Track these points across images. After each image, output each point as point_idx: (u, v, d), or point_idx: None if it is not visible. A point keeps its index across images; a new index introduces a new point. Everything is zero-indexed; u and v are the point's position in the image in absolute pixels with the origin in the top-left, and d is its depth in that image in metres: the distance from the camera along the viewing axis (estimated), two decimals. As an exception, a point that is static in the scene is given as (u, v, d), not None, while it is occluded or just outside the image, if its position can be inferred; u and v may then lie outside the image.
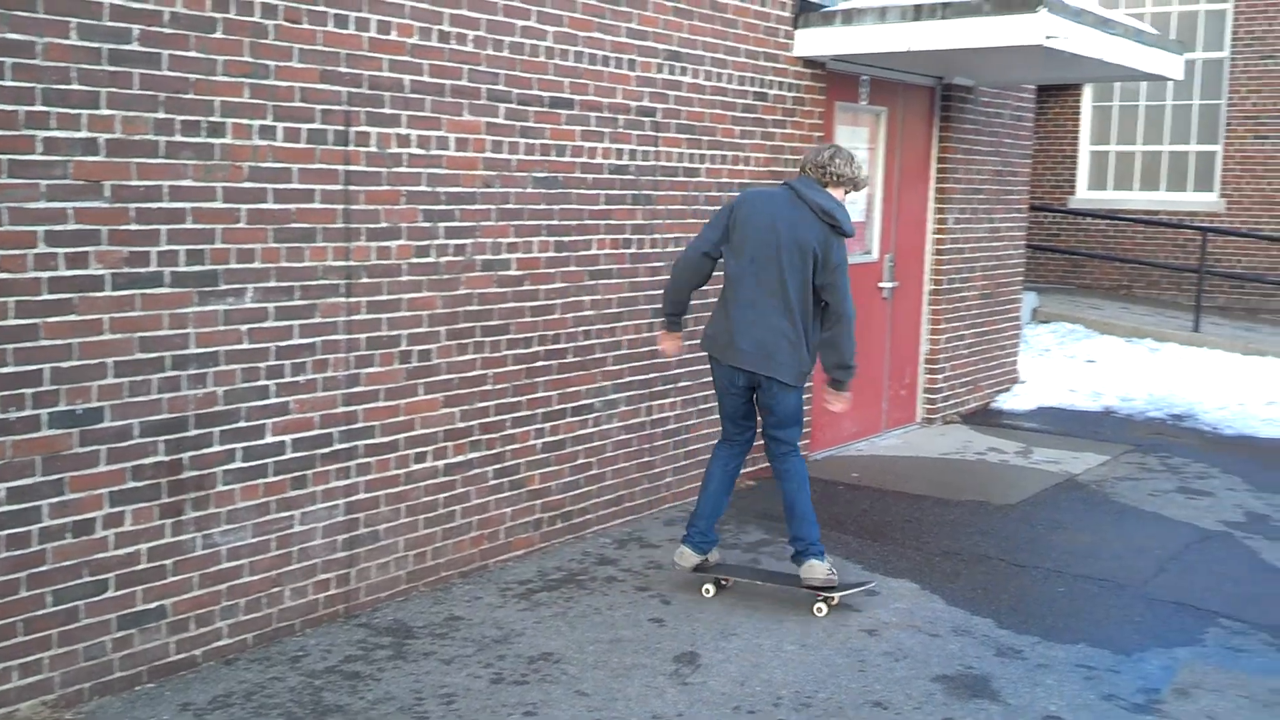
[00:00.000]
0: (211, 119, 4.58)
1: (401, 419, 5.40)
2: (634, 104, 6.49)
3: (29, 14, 4.04)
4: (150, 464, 4.48)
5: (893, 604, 5.61)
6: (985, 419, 9.84)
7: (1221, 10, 14.68)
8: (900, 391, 9.32)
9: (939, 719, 4.45)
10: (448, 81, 5.47)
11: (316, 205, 4.97)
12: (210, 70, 4.56)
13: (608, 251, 6.42)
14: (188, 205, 4.53)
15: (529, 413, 6.04)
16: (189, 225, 4.54)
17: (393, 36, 5.21)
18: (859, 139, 8.55)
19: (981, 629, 5.35)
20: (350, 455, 5.20)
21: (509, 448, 5.95)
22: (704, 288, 5.95)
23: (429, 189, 5.42)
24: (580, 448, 6.37)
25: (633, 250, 6.57)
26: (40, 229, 4.12)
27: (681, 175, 6.86)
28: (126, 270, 4.36)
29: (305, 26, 4.87)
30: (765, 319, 5.37)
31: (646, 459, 6.82)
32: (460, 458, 5.70)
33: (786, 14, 7.57)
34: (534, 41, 5.88)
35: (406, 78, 5.28)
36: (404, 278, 5.35)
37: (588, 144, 6.23)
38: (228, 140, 4.64)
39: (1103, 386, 10.75)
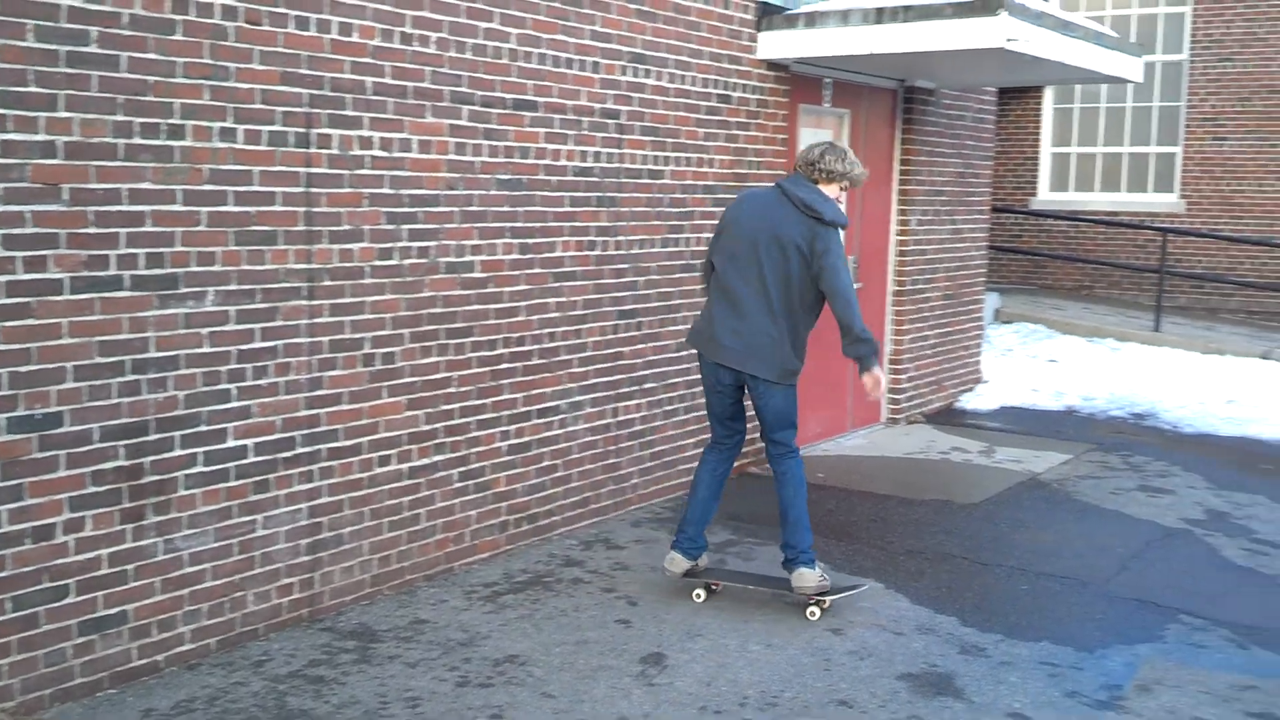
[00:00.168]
0: (171, 121, 4.55)
1: (365, 422, 5.38)
2: (598, 106, 6.50)
3: (-15, 15, 4.00)
4: (111, 469, 4.45)
5: (858, 603, 5.64)
6: (949, 419, 9.90)
7: (1180, 13, 14.83)
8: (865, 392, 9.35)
9: (904, 717, 4.47)
10: (410, 84, 5.46)
11: (278, 208, 4.94)
12: (170, 72, 4.53)
13: (572, 254, 6.42)
14: (147, 208, 4.49)
15: (494, 415, 6.03)
16: (149, 228, 4.51)
17: (354, 38, 5.20)
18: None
19: (945, 627, 5.38)
20: (313, 459, 5.17)
21: (474, 450, 5.94)
22: (693, 289, 5.96)
23: (391, 191, 5.41)
24: (546, 450, 6.37)
25: (597, 252, 6.57)
26: (-3, 232, 4.09)
27: (646, 177, 6.87)
28: (85, 274, 4.32)
29: (266, 28, 4.85)
30: (746, 316, 5.36)
31: (612, 461, 6.83)
32: (424, 460, 5.69)
33: (750, 17, 7.60)
34: (497, 44, 5.88)
35: (368, 79, 5.27)
36: (366, 280, 5.33)
37: (552, 146, 6.23)
38: (188, 143, 4.61)
39: (1065, 386, 10.84)
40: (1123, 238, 15.16)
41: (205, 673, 4.69)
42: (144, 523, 4.56)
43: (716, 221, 7.43)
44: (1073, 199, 15.51)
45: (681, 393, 7.28)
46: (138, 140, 4.44)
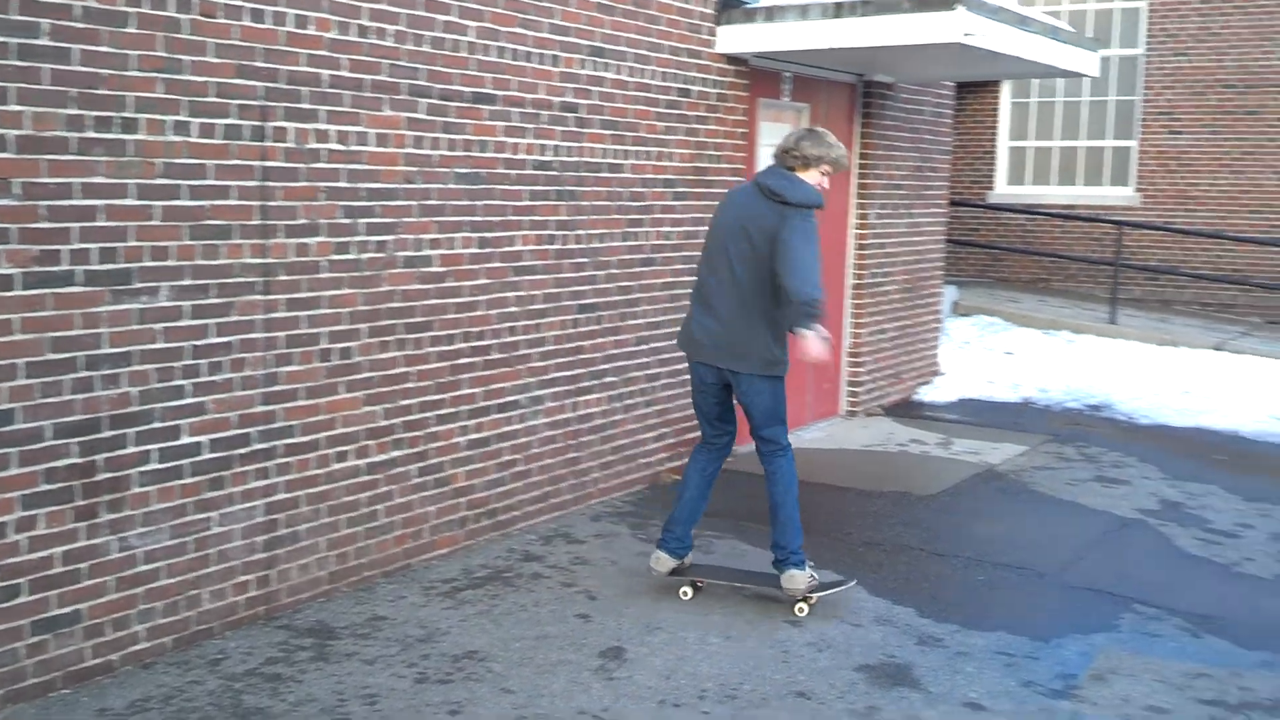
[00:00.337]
0: (124, 115, 4.50)
1: (322, 418, 5.35)
2: (557, 100, 6.48)
3: (-69, 7, 3.95)
4: (63, 466, 4.40)
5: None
6: (907, 411, 9.96)
7: (1136, 8, 14.97)
8: (824, 385, 9.40)
9: (861, 708, 4.50)
10: (367, 76, 5.42)
11: (233, 202, 4.90)
12: (123, 65, 4.48)
13: (532, 248, 6.40)
14: (100, 202, 4.44)
15: (453, 410, 6.01)
16: (101, 223, 4.46)
17: (310, 31, 5.16)
18: (782, 135, 8.58)
19: (903, 618, 5.42)
20: (269, 455, 5.13)
21: (433, 445, 5.92)
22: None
23: (349, 185, 5.38)
24: (506, 445, 6.36)
25: (557, 246, 6.56)
26: (-54, 227, 4.03)
27: (606, 171, 6.86)
28: (37, 269, 4.27)
29: (221, 21, 4.80)
30: (719, 311, 5.34)
31: (573, 455, 6.82)
32: (383, 456, 5.66)
33: (709, 10, 7.60)
34: (455, 36, 5.85)
35: (325, 72, 5.23)
36: (323, 275, 5.29)
37: (511, 139, 6.21)
38: (141, 136, 4.56)
39: (1021, 378, 10.93)
40: (1079, 231, 15.30)
41: (160, 672, 4.65)
42: (97, 521, 4.52)
43: (676, 215, 7.44)
44: (1029, 192, 15.63)
45: (642, 386, 7.28)
46: (90, 134, 4.39)
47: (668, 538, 5.56)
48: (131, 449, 4.61)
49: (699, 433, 5.70)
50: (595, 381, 6.93)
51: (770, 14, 7.57)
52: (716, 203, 7.78)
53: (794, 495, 5.45)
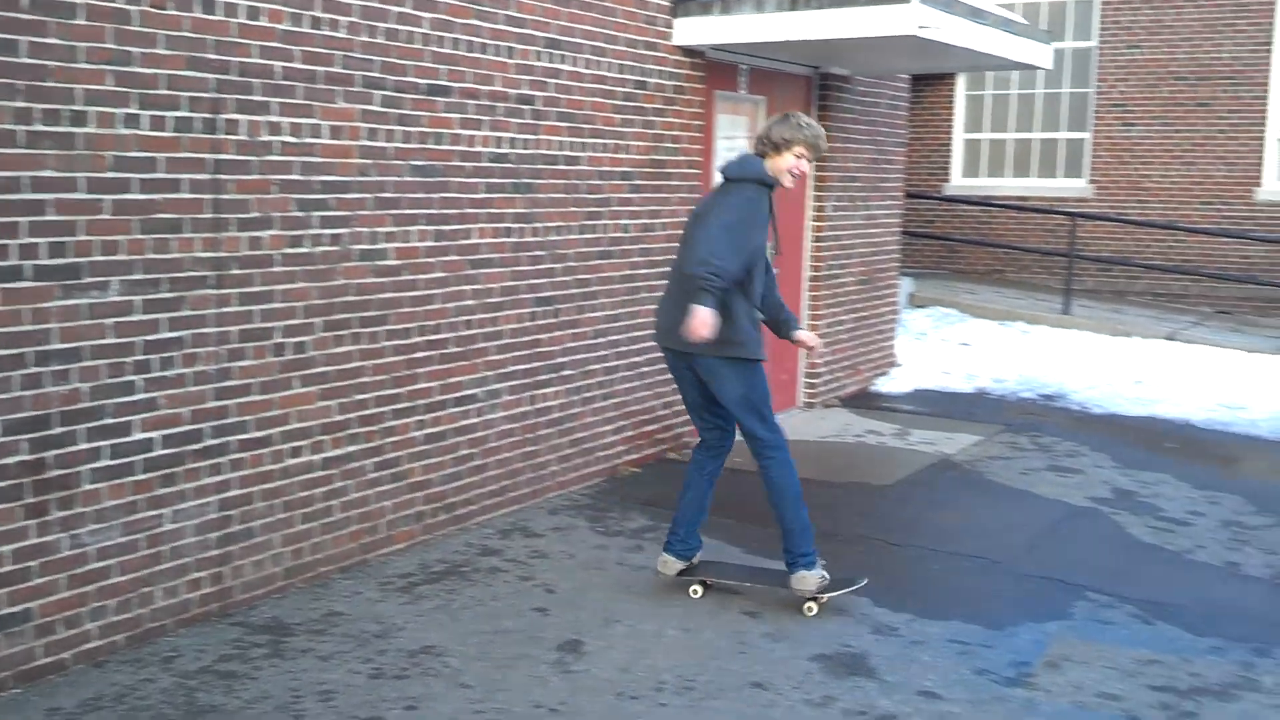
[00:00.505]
0: (73, 107, 4.44)
1: (276, 413, 5.31)
2: (513, 92, 6.46)
3: (-127, -3, 3.88)
4: (13, 463, 4.34)
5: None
6: (864, 402, 10.01)
7: (1089, 1, 15.09)
8: (782, 376, 9.43)
9: (817, 698, 4.53)
10: (320, 68, 5.38)
11: (184, 195, 4.85)
12: (71, 57, 4.42)
13: (489, 240, 6.38)
14: (49, 196, 4.39)
15: (409, 404, 5.98)
16: (50, 217, 4.40)
17: (262, 22, 5.11)
18: (739, 128, 8.62)
19: (859, 608, 5.45)
20: (222, 451, 5.09)
21: (389, 440, 5.89)
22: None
23: (302, 178, 5.33)
24: (463, 439, 6.34)
25: (514, 239, 6.54)
26: (-111, 221, 3.97)
27: (562, 163, 6.85)
28: (-17, 264, 4.22)
29: (171, 12, 4.75)
30: (673, 291, 5.33)
31: (530, 449, 6.81)
32: (338, 451, 5.63)
33: (665, 2, 7.59)
34: (409, 28, 5.81)
35: (277, 64, 5.18)
36: (277, 269, 5.25)
37: (466, 132, 6.18)
38: (91, 129, 4.51)
39: (976, 368, 11.01)
40: (1033, 222, 15.43)
41: (113, 670, 4.60)
42: (48, 518, 4.46)
43: (633, 208, 7.44)
44: (985, 184, 15.74)
45: (600, 380, 7.28)
46: (39, 127, 4.33)
47: (671, 539, 5.52)
48: (82, 445, 4.56)
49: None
50: (553, 375, 6.92)
51: (726, 6, 7.57)
52: (674, 195, 7.79)
53: (790, 499, 5.29)
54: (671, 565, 5.53)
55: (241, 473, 5.18)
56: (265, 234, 5.19)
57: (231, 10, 4.98)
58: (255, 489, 5.24)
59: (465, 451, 6.36)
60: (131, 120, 4.64)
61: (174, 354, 4.86)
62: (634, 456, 7.62)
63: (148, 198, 4.72)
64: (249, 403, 5.18)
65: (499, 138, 6.39)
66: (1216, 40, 14.34)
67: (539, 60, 6.62)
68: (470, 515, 6.43)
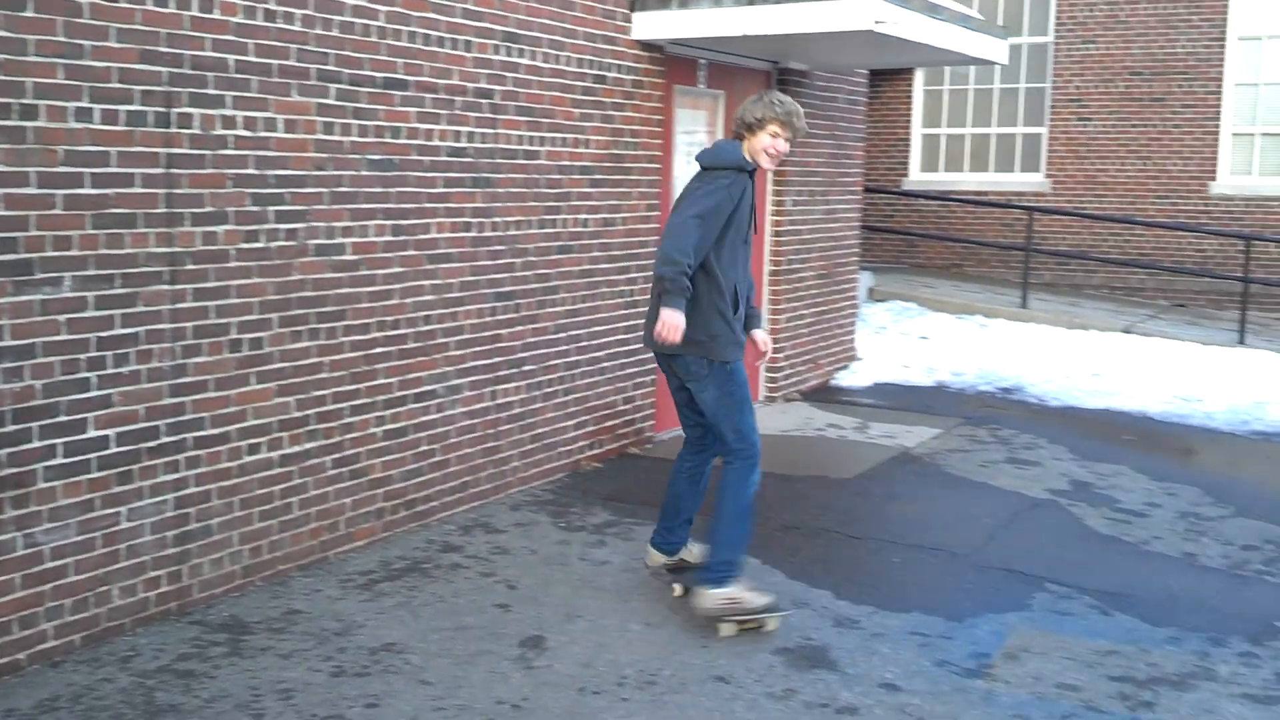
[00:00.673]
0: (23, 101, 4.37)
1: (233, 409, 5.26)
2: (471, 85, 6.42)
3: None
4: (-37, 462, 4.28)
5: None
6: (825, 396, 10.05)
7: (1044, -3, 15.22)
8: (742, 371, 9.44)
9: (779, 690, 4.54)
10: (275, 61, 5.33)
11: (137, 190, 4.79)
12: (21, 50, 4.35)
13: (447, 235, 6.34)
14: (-2, 191, 4.33)
15: (368, 400, 5.94)
16: (1, 212, 4.33)
17: (216, 15, 5.05)
18: (698, 122, 8.62)
19: (820, 600, 5.46)
20: (179, 448, 5.04)
21: (348, 436, 5.85)
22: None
23: (257, 172, 5.28)
24: (423, 434, 6.30)
25: (473, 234, 6.51)
26: None
27: (521, 158, 6.82)
28: (-69, 259, 4.15)
29: (123, 5, 4.69)
30: (651, 295, 5.17)
31: (491, 444, 6.78)
32: (296, 448, 5.58)
33: (623, -4, 7.59)
34: (365, 21, 5.77)
35: (231, 57, 5.13)
36: (232, 264, 5.20)
37: (424, 126, 6.14)
38: (41, 123, 4.44)
39: (935, 362, 11.07)
40: (991, 217, 15.54)
41: (70, 670, 4.54)
42: (2, 517, 4.40)
43: (593, 202, 7.42)
44: (943, 179, 15.84)
45: (561, 374, 7.26)
46: (-14, 120, 4.27)
47: (654, 533, 5.54)
48: (36, 443, 4.49)
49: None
50: (514, 370, 6.89)
51: (684, 0, 7.57)
52: (634, 190, 7.77)
53: (731, 510, 5.06)
54: (654, 558, 5.55)
55: (198, 470, 5.12)
56: (220, 229, 5.13)
57: (185, 3, 4.92)
58: (213, 486, 5.19)
59: (425, 447, 6.32)
60: (83, 114, 4.58)
61: (128, 350, 4.80)
62: (596, 451, 7.60)
63: (100, 192, 4.66)
64: (205, 399, 5.13)
65: (457, 131, 6.35)
66: (1171, 35, 14.49)
67: (497, 54, 6.59)
68: (431, 511, 6.40)
